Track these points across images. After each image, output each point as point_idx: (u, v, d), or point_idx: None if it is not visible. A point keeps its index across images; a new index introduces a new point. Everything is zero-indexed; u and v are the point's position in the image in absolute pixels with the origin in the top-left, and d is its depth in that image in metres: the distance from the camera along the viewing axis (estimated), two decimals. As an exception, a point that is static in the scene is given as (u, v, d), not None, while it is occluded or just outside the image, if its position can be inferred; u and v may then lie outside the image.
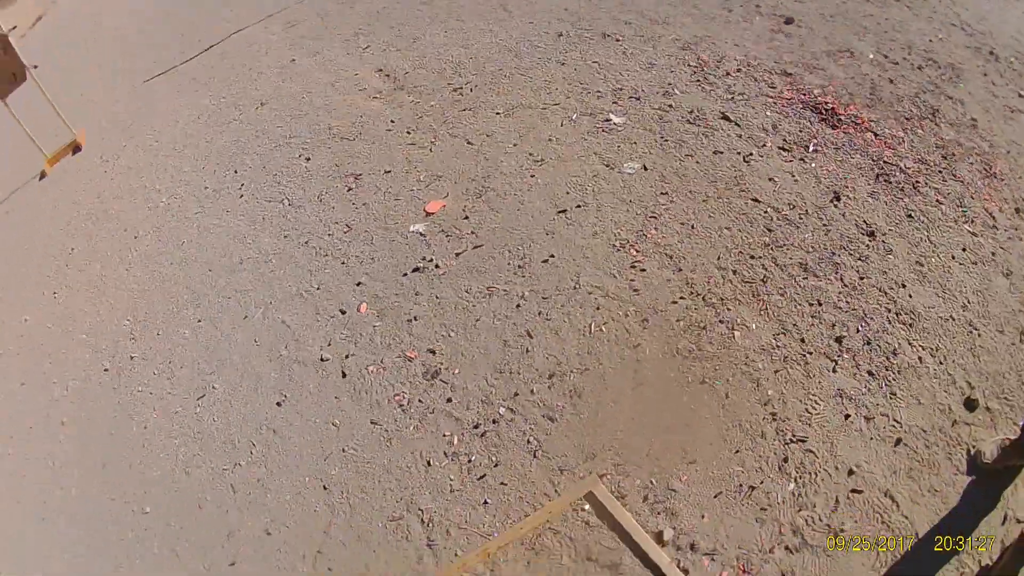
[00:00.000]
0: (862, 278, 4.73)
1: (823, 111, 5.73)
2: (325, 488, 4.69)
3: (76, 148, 9.07)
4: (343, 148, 6.88)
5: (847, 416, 4.28)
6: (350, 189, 6.39)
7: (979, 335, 4.56)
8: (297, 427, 5.03)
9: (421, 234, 5.72)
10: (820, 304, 4.66)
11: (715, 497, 4.12)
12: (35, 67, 8.44)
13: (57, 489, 5.38)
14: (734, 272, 4.87)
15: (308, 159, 6.92)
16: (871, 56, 6.14)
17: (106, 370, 6.03)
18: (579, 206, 5.43)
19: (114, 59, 10.45)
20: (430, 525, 4.34)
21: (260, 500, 4.79)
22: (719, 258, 4.95)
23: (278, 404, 5.18)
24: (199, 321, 6.02)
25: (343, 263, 5.81)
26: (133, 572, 4.81)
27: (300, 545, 4.52)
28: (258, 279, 6.07)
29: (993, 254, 4.92)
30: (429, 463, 4.57)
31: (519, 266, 5.24)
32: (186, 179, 7.55)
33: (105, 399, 5.81)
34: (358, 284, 5.60)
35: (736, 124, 5.71)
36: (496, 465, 4.44)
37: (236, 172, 7.27)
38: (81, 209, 7.86)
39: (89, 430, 5.66)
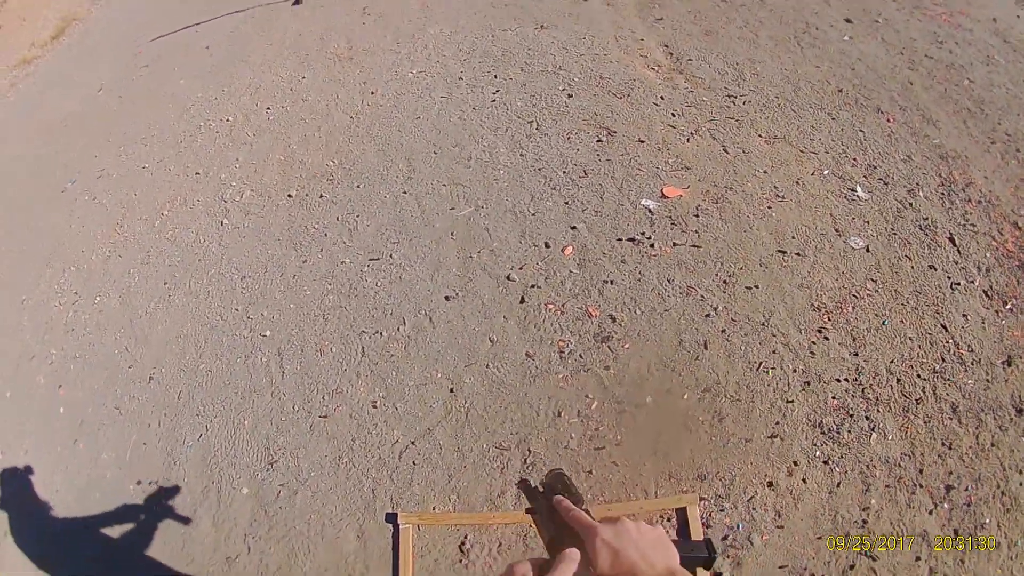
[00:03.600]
0: (993, 446, 4.70)
1: None
2: (452, 391, 4.87)
3: None
4: (607, 102, 6.95)
5: (918, 558, 4.35)
6: (600, 141, 6.47)
7: None
8: (454, 326, 5.20)
9: (650, 211, 5.79)
10: (951, 448, 4.63)
11: (780, 567, 4.21)
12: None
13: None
14: (898, 380, 4.85)
15: (570, 96, 7.03)
16: None
17: (290, 195, 6.34)
18: (798, 254, 5.46)
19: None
20: (530, 468, 4.49)
21: (383, 373, 5.00)
22: (891, 362, 4.93)
23: (447, 298, 5.36)
24: (404, 193, 6.22)
25: (567, 203, 5.91)
26: (234, 378, 5.21)
27: (399, 430, 4.74)
28: (479, 180, 6.22)
29: None
30: (560, 413, 4.70)
31: (724, 281, 5.30)
32: (444, 64, 7.75)
33: (276, 220, 6.12)
34: (572, 228, 5.71)
35: (958, 250, 5.64)
36: (618, 444, 4.55)
37: (496, 77, 7.43)
38: (327, 44, 8.29)
39: (250, 245, 6.02)
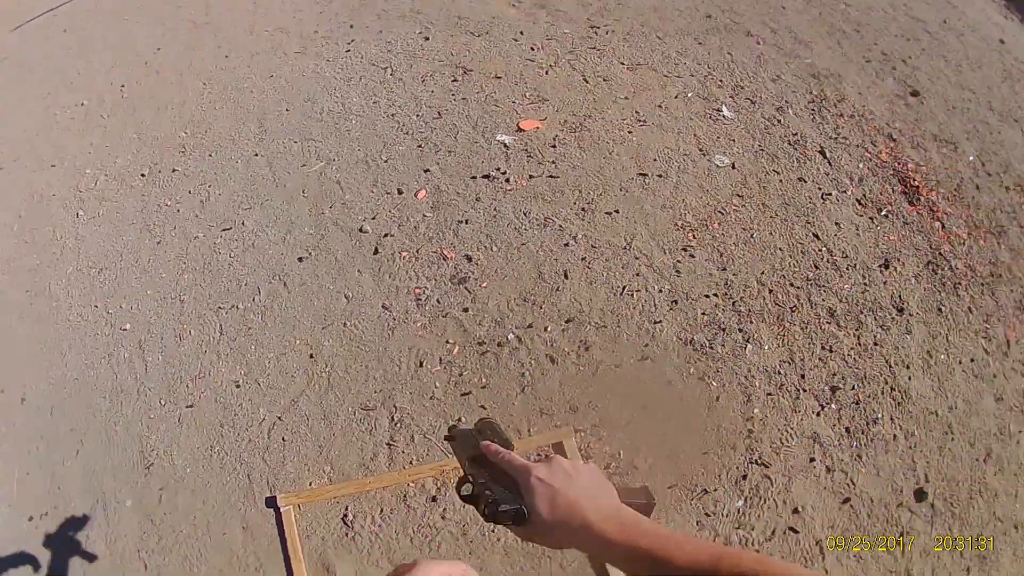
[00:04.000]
0: (876, 344, 4.68)
1: (908, 185, 5.61)
2: (311, 356, 4.66)
3: None
4: (464, 41, 6.76)
5: (812, 459, 4.25)
6: (455, 80, 6.28)
7: (952, 439, 4.52)
8: (309, 288, 4.99)
9: (505, 145, 5.60)
10: (831, 351, 4.61)
11: (668, 488, 4.11)
12: None
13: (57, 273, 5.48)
14: (770, 291, 4.80)
15: (427, 39, 6.81)
16: (971, 158, 5.99)
17: (143, 175, 6.02)
18: (660, 176, 5.31)
19: None
20: (398, 425, 4.31)
21: (243, 349, 4.77)
22: (763, 273, 4.87)
23: (299, 259, 5.15)
24: (256, 155, 5.97)
25: (419, 146, 5.72)
26: (100, 381, 4.84)
27: (264, 407, 4.50)
28: (331, 134, 6.00)
29: (994, 376, 4.85)
30: (422, 364, 4.52)
31: (583, 209, 5.14)
32: (300, 18, 7.47)
33: (130, 203, 5.81)
34: (426, 170, 5.52)
35: (829, 162, 5.60)
36: (484, 387, 4.39)
37: (352, 27, 7.17)
38: (181, 11, 7.90)
39: (103, 230, 5.68)
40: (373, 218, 5.31)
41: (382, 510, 4.11)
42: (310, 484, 4.21)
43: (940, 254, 5.21)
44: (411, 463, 4.15)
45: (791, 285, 4.86)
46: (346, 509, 4.12)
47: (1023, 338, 5.12)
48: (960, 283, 5.10)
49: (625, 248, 4.92)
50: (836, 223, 5.19)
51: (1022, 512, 4.76)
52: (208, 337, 4.89)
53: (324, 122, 6.14)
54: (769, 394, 4.43)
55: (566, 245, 4.98)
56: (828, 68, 6.44)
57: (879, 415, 4.45)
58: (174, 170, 6.03)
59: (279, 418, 4.45)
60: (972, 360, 4.86)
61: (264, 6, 7.81)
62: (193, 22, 7.84)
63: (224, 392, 4.62)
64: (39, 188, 6.23)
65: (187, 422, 4.54)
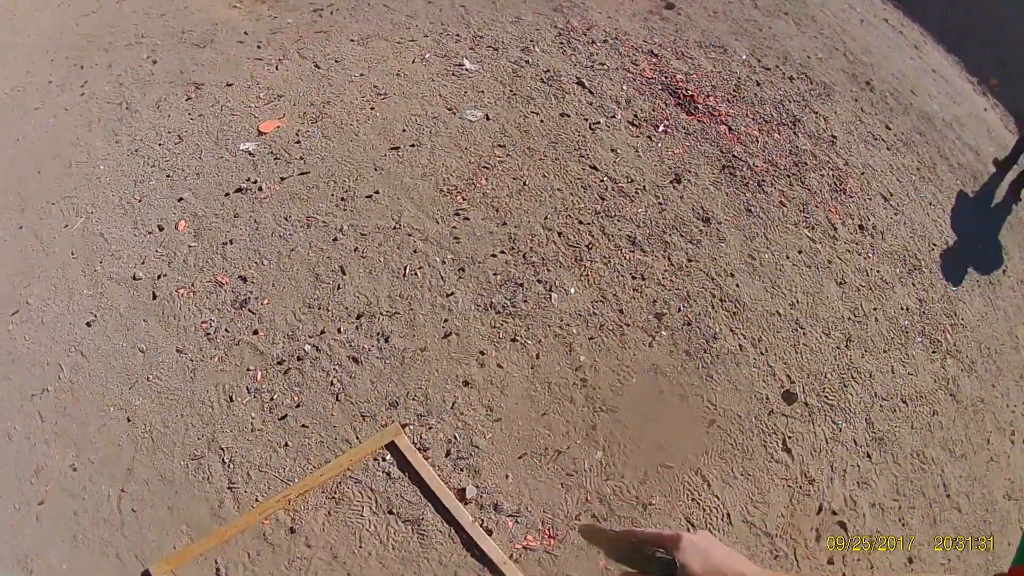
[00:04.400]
0: (690, 260, 4.73)
1: (681, 96, 5.69)
2: (129, 420, 4.50)
3: None
4: (191, 55, 6.57)
5: (660, 392, 4.29)
6: (189, 99, 6.11)
7: (804, 334, 4.63)
8: (104, 351, 4.80)
9: (250, 153, 5.49)
10: (644, 279, 4.64)
11: (520, 458, 4.10)
12: None
13: None
14: (559, 234, 4.80)
15: (155, 62, 6.59)
16: (744, 57, 6.12)
17: None
18: (413, 145, 5.28)
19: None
20: (231, 466, 4.22)
21: (67, 430, 4.57)
22: (546, 218, 4.87)
23: (88, 324, 4.95)
24: (20, 228, 5.68)
25: (168, 176, 5.55)
26: None
27: (105, 483, 4.33)
28: (85, 185, 5.76)
29: (829, 262, 4.99)
30: (232, 399, 4.42)
31: (342, 199, 5.08)
32: (34, 70, 7.13)
33: None
34: (180, 200, 5.36)
35: (590, 91, 5.63)
36: (298, 406, 4.32)
37: (82, 68, 6.89)
38: None
39: None
40: (143, 263, 5.13)
41: (249, 555, 4.04)
42: (174, 547, 4.10)
43: (734, 156, 5.29)
44: (256, 500, 4.08)
45: (580, 223, 4.88)
46: (216, 563, 4.03)
47: (848, 219, 5.25)
48: (764, 180, 5.20)
49: (395, 228, 4.90)
50: (612, 150, 5.23)
51: (902, 387, 4.91)
52: (32, 428, 4.66)
53: (74, 175, 5.88)
54: (591, 338, 4.46)
55: (335, 240, 4.93)
56: (571, -1, 6.44)
57: (716, 330, 4.51)
58: None
59: (122, 490, 4.31)
60: (800, 252, 4.98)
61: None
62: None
63: (65, 479, 4.43)
64: None
65: (45, 519, 4.34)
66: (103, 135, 6.08)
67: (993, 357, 5.78)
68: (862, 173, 5.85)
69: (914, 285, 5.70)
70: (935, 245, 6.17)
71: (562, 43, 6.03)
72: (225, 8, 7.03)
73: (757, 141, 5.51)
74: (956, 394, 5.32)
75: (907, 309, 5.51)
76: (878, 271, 5.52)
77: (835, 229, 5.26)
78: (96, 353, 4.80)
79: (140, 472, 4.30)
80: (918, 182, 6.56)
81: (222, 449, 4.28)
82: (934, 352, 5.41)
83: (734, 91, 5.77)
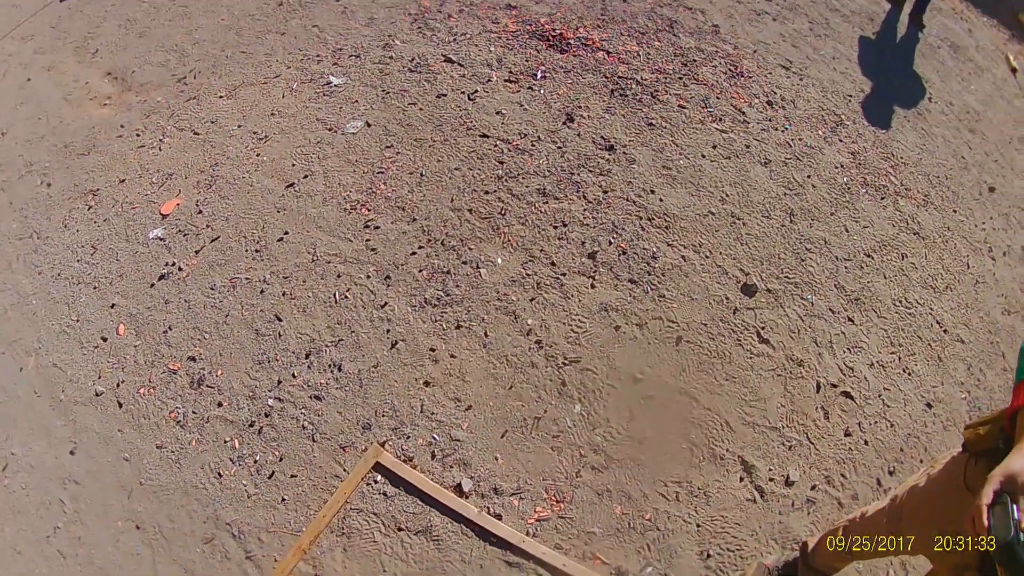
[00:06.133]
0: (606, 192, 4.74)
1: (551, 38, 5.69)
2: (138, 527, 4.54)
3: None
4: (80, 165, 6.56)
5: (617, 327, 4.32)
6: (90, 207, 6.11)
7: (744, 224, 4.64)
8: (94, 472, 4.85)
9: (160, 239, 5.52)
10: (565, 225, 4.66)
11: (502, 437, 4.15)
12: None
13: None
14: (470, 211, 4.83)
15: (49, 184, 6.57)
16: None
17: None
18: (306, 176, 5.31)
19: None
20: (242, 537, 4.25)
21: (89, 558, 4.60)
22: (452, 200, 4.90)
23: (71, 453, 4.99)
24: None
25: (95, 288, 5.58)
26: None
27: None
28: (24, 325, 5.77)
29: (747, 147, 5.00)
30: (220, 474, 4.47)
31: (256, 250, 5.11)
32: None
33: None
34: (112, 306, 5.39)
35: (459, 64, 5.63)
36: (281, 459, 4.37)
37: (-22, 218, 6.91)
38: None
39: None
40: (99, 377, 5.16)
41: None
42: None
43: (620, 77, 5.30)
44: (275, 561, 4.13)
45: (486, 193, 4.91)
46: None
47: (754, 99, 5.25)
48: (657, 90, 5.20)
49: (313, 260, 4.95)
50: (497, 113, 5.25)
51: (861, 242, 4.92)
52: (57, 568, 4.67)
53: (12, 318, 5.89)
54: (532, 299, 4.50)
55: (262, 292, 4.97)
56: (418, -16, 6.43)
57: (654, 250, 4.53)
58: None
59: None
60: (714, 147, 4.99)
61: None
62: None
63: None
64: None
65: None
66: (25, 271, 6.07)
67: (945, 183, 5.80)
68: (755, 51, 5.85)
69: (841, 141, 5.71)
70: (851, 96, 6.18)
71: (420, 28, 6.04)
72: (97, 108, 7.01)
73: (639, 56, 5.51)
74: (919, 231, 5.34)
75: (842, 166, 5.52)
76: (800, 139, 5.52)
77: (743, 113, 5.27)
78: (88, 477, 4.84)
79: (165, 572, 4.34)
80: (815, 41, 6.56)
81: (228, 524, 4.32)
82: (883, 199, 5.43)
83: (602, 15, 5.78)
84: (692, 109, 5.23)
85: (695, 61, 5.56)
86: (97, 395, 5.08)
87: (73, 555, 4.63)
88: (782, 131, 5.40)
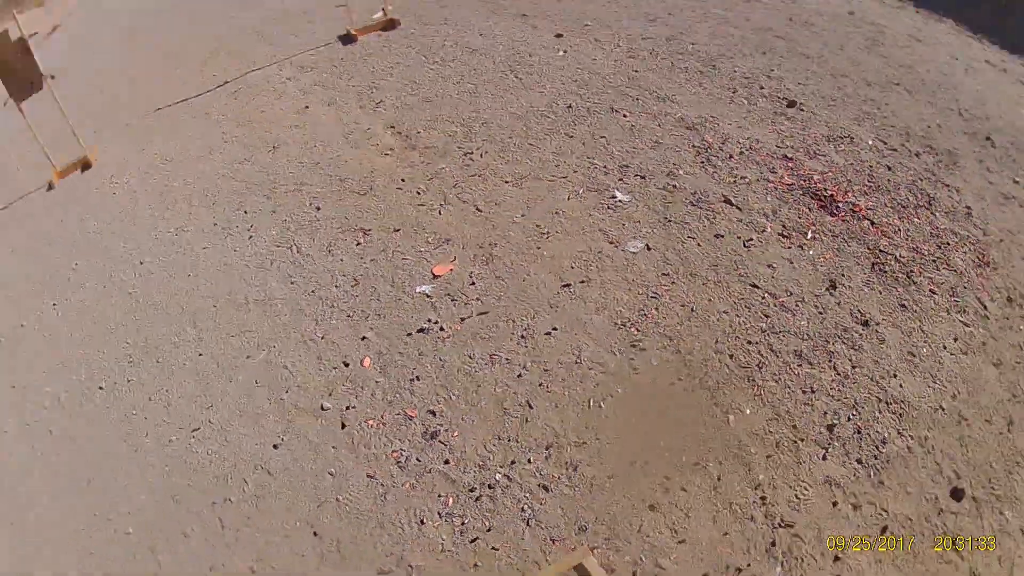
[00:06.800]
0: (855, 367, 4.79)
1: (822, 197, 5.80)
2: (315, 534, 4.66)
3: (86, 165, 9.02)
4: (354, 202, 6.91)
5: (835, 503, 4.34)
6: (359, 244, 6.42)
7: (968, 425, 4.63)
8: (292, 472, 5.01)
9: (428, 295, 5.76)
10: (813, 391, 4.72)
11: None
12: (52, 77, 8.45)
13: (33, 499, 5.35)
14: (731, 356, 4.92)
15: (318, 208, 6.94)
16: (870, 142, 6.22)
17: (101, 388, 6.00)
18: (583, 282, 5.50)
19: (129, 82, 10.43)
20: None
21: (249, 538, 4.76)
22: (717, 342, 5.00)
23: (275, 447, 5.17)
24: (200, 355, 6.00)
25: (349, 316, 5.82)
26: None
27: None
28: (263, 321, 6.07)
29: (984, 344, 5.00)
30: (423, 522, 4.55)
31: (522, 336, 5.29)
32: (195, 213, 7.55)
33: (97, 417, 5.77)
34: (363, 338, 5.61)
35: (738, 208, 5.78)
36: (489, 530, 4.44)
37: (246, 212, 7.27)
38: (87, 227, 7.81)
39: (78, 445, 5.62)
40: (330, 394, 5.36)
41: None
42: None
43: (881, 251, 5.37)
44: None
45: (748, 343, 5.00)
46: None
47: (996, 293, 5.28)
48: (912, 270, 5.26)
49: (576, 362, 5.08)
50: (769, 265, 5.36)
51: None
52: (212, 531, 4.86)
53: (252, 312, 6.20)
54: (768, 456, 4.55)
55: (519, 376, 5.12)
56: (700, 114, 6.71)
57: (885, 435, 4.55)
58: (129, 380, 6.02)
59: None
60: (955, 339, 5.00)
61: (161, 210, 7.78)
62: (98, 232, 7.78)
63: None
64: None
65: None
66: (277, 276, 6.42)
67: None
68: (1001, 240, 5.81)
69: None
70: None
71: (703, 162, 6.24)
72: (378, 156, 7.40)
73: (899, 231, 5.57)
74: None
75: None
76: (1034, 342, 5.52)
77: (985, 308, 5.26)
78: (283, 473, 5.03)
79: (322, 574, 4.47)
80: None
81: (411, 567, 4.40)
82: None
83: (869, 181, 5.87)
84: (941, 296, 5.25)
85: (948, 245, 5.59)
86: (323, 409, 5.29)
87: (233, 528, 4.84)
88: (1016, 331, 5.35)
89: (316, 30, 10.34)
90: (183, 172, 8.18)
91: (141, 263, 7.15)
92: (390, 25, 9.90)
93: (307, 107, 8.62)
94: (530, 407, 4.93)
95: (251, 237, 6.97)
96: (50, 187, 8.92)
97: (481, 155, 7.03)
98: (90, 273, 7.22)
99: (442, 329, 5.52)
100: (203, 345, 6.09)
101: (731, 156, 6.23)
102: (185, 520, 4.96)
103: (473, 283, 5.77)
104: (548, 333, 5.28)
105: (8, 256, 7.80)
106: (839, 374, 4.80)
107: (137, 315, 6.59)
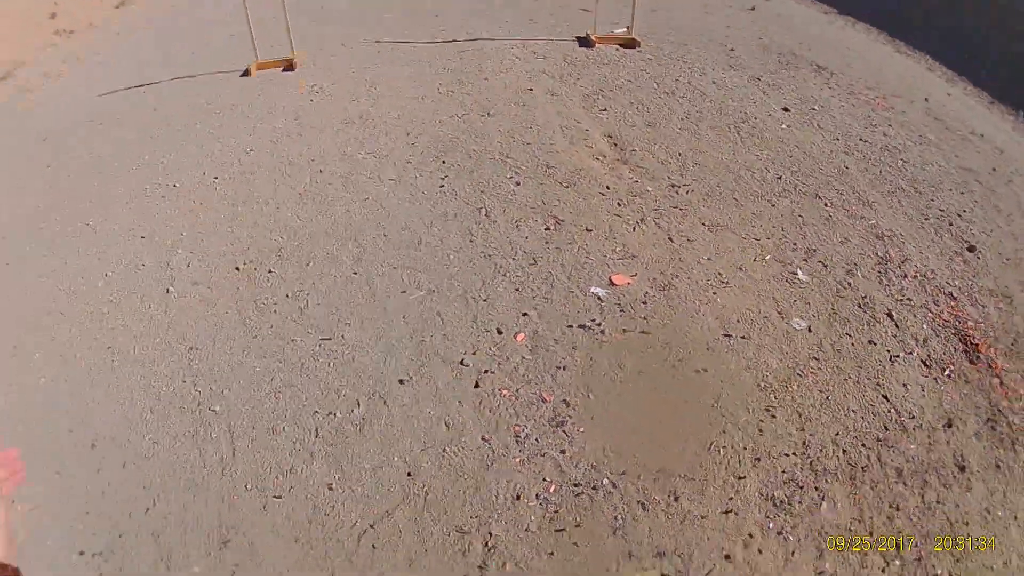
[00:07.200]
0: (939, 503, 4.79)
1: (969, 344, 5.80)
2: (409, 475, 4.80)
3: (289, 66, 9.48)
4: (553, 190, 7.10)
5: None
6: (548, 229, 6.60)
7: None
8: (409, 409, 5.17)
9: (599, 298, 5.88)
10: (897, 509, 4.72)
11: None
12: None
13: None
14: (844, 451, 4.94)
15: (518, 184, 7.16)
16: None
17: (237, 269, 6.32)
18: (744, 337, 5.58)
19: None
20: (492, 552, 4.42)
21: (338, 455, 4.91)
22: (837, 434, 5.03)
23: (401, 382, 5.34)
24: (355, 273, 6.22)
25: (517, 289, 5.98)
26: (180, 452, 5.00)
27: (355, 513, 4.61)
28: (432, 265, 6.26)
29: None
30: (519, 497, 4.67)
31: (673, 366, 5.37)
32: (392, 148, 7.83)
33: (223, 292, 6.09)
34: (524, 314, 5.77)
35: (896, 324, 5.80)
36: (578, 526, 4.53)
37: (444, 163, 7.52)
38: (275, 119, 8.20)
39: (195, 309, 5.95)
40: (473, 353, 5.53)
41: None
42: (402, 602, 4.34)
43: (999, 411, 5.37)
44: None
45: (863, 445, 5.04)
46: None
47: None
48: (1017, 439, 5.25)
49: (712, 405, 5.16)
50: (904, 385, 5.39)
51: None
52: (303, 437, 5.04)
53: (423, 253, 6.42)
54: (839, 550, 4.60)
55: (657, 399, 5.22)
56: (891, 228, 6.72)
57: (938, 572, 4.58)
58: (270, 271, 6.31)
59: (371, 526, 4.56)
60: None
61: (355, 130, 8.18)
62: (285, 133, 8.20)
63: (315, 492, 4.74)
64: (128, 255, 6.59)
65: (272, 511, 4.64)
66: (458, 229, 6.64)
67: None
68: None
69: None
70: None
71: (879, 271, 6.26)
72: (588, 158, 7.60)
73: (1021, 399, 5.53)
74: None
75: None
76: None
77: None
78: (400, 408, 5.18)
79: (398, 520, 4.57)
80: None
81: (490, 534, 4.49)
82: None
83: (1012, 344, 5.81)
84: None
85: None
86: (462, 364, 5.46)
87: (326, 441, 5.01)
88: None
89: (556, 24, 10.71)
90: (388, 105, 8.53)
91: (320, 171, 7.48)
92: (631, 43, 10.13)
93: (531, 89, 8.89)
94: (656, 430, 5.05)
95: (442, 187, 7.21)
96: (246, 72, 9.41)
97: (687, 192, 7.16)
98: (262, 164, 7.60)
99: (603, 332, 5.64)
100: (361, 265, 6.32)
101: (905, 276, 6.25)
102: (278, 417, 5.16)
103: (645, 302, 5.88)
104: (697, 371, 5.37)
105: (198, 130, 8.28)
106: (924, 503, 4.80)
107: (300, 216, 6.88)
